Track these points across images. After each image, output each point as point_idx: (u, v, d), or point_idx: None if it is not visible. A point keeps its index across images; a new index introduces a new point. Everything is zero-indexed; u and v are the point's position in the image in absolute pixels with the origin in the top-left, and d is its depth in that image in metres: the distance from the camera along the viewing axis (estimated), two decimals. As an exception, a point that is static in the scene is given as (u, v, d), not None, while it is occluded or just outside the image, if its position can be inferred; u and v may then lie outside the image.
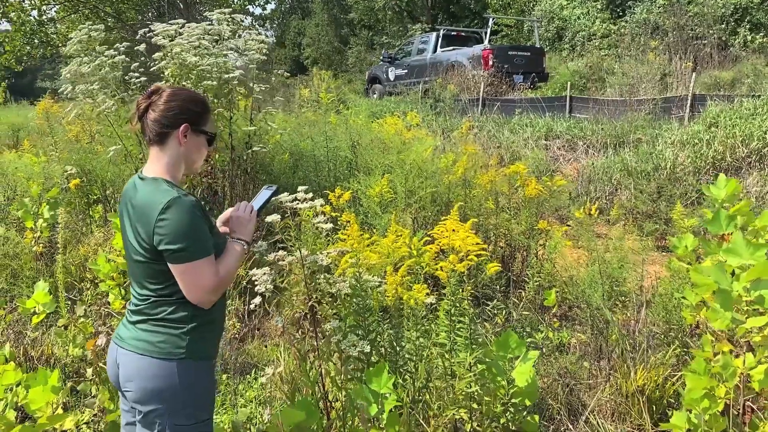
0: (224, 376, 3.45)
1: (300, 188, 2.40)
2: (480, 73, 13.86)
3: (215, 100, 5.19)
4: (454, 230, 2.45)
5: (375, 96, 17.78)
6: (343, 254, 2.42)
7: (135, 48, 5.36)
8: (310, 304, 2.35)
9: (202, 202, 5.00)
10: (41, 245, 4.42)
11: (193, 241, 1.86)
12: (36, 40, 24.10)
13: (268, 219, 2.31)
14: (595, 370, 3.63)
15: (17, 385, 2.88)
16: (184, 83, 5.04)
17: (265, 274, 2.42)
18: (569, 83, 12.52)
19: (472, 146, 5.30)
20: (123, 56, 5.47)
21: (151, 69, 5.20)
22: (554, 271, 4.54)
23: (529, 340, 3.89)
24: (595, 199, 8.00)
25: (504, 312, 4.05)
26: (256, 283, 2.38)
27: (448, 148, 7.78)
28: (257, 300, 2.38)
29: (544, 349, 3.90)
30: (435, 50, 16.67)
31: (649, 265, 5.71)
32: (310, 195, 2.37)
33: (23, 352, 3.42)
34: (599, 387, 3.43)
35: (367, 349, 2.21)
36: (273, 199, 2.29)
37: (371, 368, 2.21)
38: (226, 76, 5.24)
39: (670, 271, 3.96)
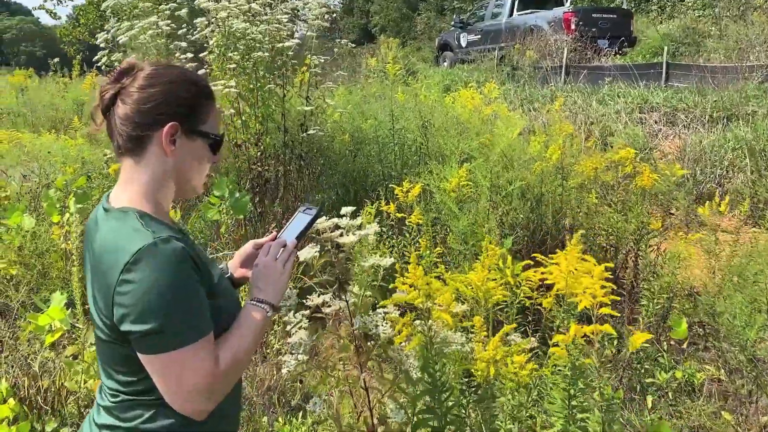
0: (264, 420, 2.80)
1: (344, 210, 1.66)
2: (562, 37, 12.63)
3: (267, 75, 4.51)
4: (575, 270, 1.65)
5: (445, 64, 16.77)
6: (405, 312, 1.67)
7: (176, 13, 4.72)
8: (362, 376, 1.62)
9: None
10: (70, 242, 3.89)
11: (177, 318, 1.15)
12: (108, 13, 24.35)
13: (302, 256, 1.59)
14: (742, 426, 2.77)
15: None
16: (230, 55, 4.37)
17: (300, 325, 1.70)
18: (665, 48, 11.17)
19: (567, 125, 4.40)
20: (168, 21, 4.85)
21: (194, 38, 4.56)
22: (675, 285, 3.65)
23: (649, 380, 3.06)
24: (703, 184, 6.90)
25: (615, 341, 3.22)
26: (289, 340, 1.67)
27: (531, 124, 6.85)
28: (291, 363, 1.66)
29: (669, 393, 3.06)
30: (511, 14, 15.42)
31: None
32: (359, 221, 1.62)
33: (31, 382, 2.87)
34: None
35: (451, 462, 1.48)
36: (315, 224, 1.56)
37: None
38: (279, 46, 4.54)
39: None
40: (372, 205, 3.82)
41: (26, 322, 3.39)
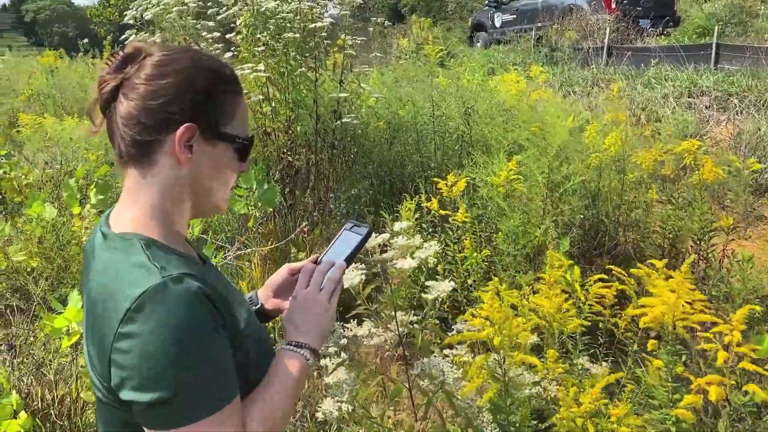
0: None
1: (396, 225, 1.37)
2: (604, 17, 12.07)
3: (298, 58, 4.21)
4: (685, 305, 1.34)
5: (479, 45, 16.26)
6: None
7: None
8: (417, 425, 1.34)
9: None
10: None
11: (192, 384, 0.88)
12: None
13: (346, 282, 1.30)
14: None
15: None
16: (259, 36, 4.08)
17: (340, 363, 1.42)
18: (715, 28, 10.58)
19: (622, 112, 4.03)
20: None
21: (221, 17, 4.27)
22: (746, 293, 3.29)
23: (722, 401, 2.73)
24: (761, 174, 6.44)
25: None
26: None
27: (573, 108, 6.45)
28: (333, 412, 1.39)
29: (747, 417, 2.73)
30: (548, -8, 14.84)
31: None
32: (418, 239, 1.32)
33: (45, 391, 2.66)
34: None
35: None
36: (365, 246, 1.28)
37: None
38: (312, 26, 4.23)
39: None
40: (411, 199, 3.53)
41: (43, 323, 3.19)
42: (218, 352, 0.93)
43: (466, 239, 3.20)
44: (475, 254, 2.97)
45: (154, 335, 0.86)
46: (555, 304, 1.58)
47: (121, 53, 1.04)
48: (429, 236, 3.45)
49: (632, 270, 2.06)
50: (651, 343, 1.44)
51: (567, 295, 1.75)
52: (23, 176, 4.51)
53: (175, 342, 0.87)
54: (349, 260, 1.20)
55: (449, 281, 1.38)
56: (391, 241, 1.29)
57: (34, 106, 10.36)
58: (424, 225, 3.50)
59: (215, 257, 3.66)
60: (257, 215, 3.90)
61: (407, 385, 1.34)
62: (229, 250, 3.92)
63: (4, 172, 4.67)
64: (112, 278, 0.93)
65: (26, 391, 2.65)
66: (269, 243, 3.78)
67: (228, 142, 1.05)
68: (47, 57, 13.89)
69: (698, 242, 3.82)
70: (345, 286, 1.32)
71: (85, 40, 15.09)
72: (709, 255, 3.74)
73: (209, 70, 1.04)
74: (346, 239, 1.23)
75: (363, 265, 1.36)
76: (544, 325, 1.59)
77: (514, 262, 3.13)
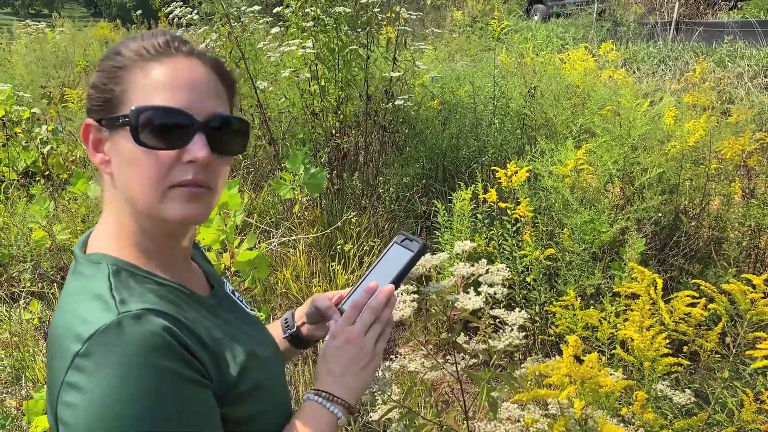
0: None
1: (458, 246, 1.13)
2: (673, -11, 11.35)
3: (350, 33, 3.96)
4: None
5: (536, 18, 15.63)
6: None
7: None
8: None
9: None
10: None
11: None
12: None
13: (395, 314, 1.09)
14: None
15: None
16: (308, 10, 3.85)
17: (391, 409, 1.21)
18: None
19: (705, 94, 3.66)
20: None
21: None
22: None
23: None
24: None
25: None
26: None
27: (647, 89, 6.02)
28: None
29: None
30: (613, -37, 14.07)
31: None
32: (484, 265, 1.09)
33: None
34: None
35: None
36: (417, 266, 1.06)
37: None
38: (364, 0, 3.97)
39: None
40: (466, 187, 3.28)
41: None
42: (192, 409, 0.73)
43: (526, 234, 2.94)
44: (537, 252, 2.71)
45: (105, 390, 0.68)
46: (647, 338, 1.32)
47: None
48: (483, 226, 3.20)
49: (724, 285, 1.79)
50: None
51: (655, 320, 1.49)
52: (69, 152, 4.45)
53: (131, 400, 0.68)
54: (398, 282, 0.99)
55: (522, 310, 1.15)
56: (450, 269, 1.06)
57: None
58: (479, 216, 3.25)
59: (260, 244, 3.51)
60: (304, 201, 3.72)
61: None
62: (273, 236, 3.76)
63: (51, 148, 4.62)
64: (67, 312, 0.76)
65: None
66: (315, 230, 3.60)
67: (123, 125, 0.82)
68: (101, 29, 14.00)
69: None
70: (394, 319, 1.11)
71: (139, 12, 15.11)
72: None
73: (111, 54, 0.86)
74: (395, 255, 1.03)
75: (413, 287, 1.14)
76: (632, 361, 1.35)
77: (579, 260, 2.86)
